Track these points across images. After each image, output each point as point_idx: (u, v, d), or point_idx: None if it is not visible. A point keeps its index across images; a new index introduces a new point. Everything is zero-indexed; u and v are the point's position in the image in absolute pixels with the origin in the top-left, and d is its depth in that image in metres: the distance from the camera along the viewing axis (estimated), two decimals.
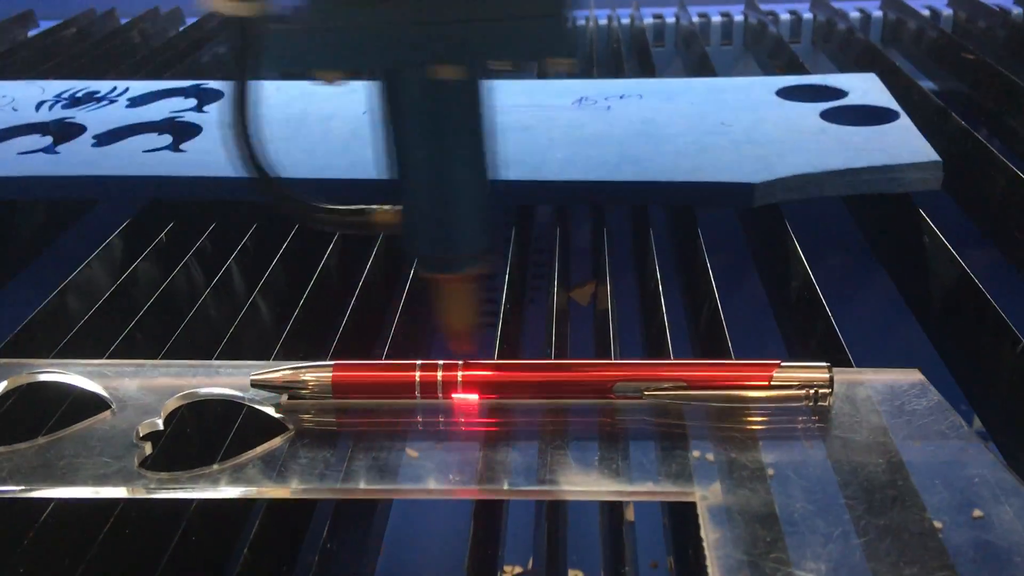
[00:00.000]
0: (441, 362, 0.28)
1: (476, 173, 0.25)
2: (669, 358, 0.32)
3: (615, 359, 0.35)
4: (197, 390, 0.28)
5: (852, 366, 0.31)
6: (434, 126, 0.24)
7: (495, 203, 0.26)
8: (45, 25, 0.81)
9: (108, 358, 0.32)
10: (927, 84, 0.61)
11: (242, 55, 0.23)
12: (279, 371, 0.28)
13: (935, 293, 0.37)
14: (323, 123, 0.48)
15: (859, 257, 0.45)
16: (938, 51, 0.64)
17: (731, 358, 0.32)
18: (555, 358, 0.34)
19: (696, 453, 0.25)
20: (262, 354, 0.34)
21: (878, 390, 0.28)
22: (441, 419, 0.28)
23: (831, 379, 0.27)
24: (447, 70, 0.23)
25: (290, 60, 0.23)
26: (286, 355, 0.33)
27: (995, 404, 0.31)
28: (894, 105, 0.47)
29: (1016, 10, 0.75)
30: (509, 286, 0.37)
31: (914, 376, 0.28)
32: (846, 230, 0.45)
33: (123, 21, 0.80)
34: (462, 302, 0.27)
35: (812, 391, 0.27)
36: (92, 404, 0.28)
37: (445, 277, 0.27)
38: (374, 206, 0.27)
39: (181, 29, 0.78)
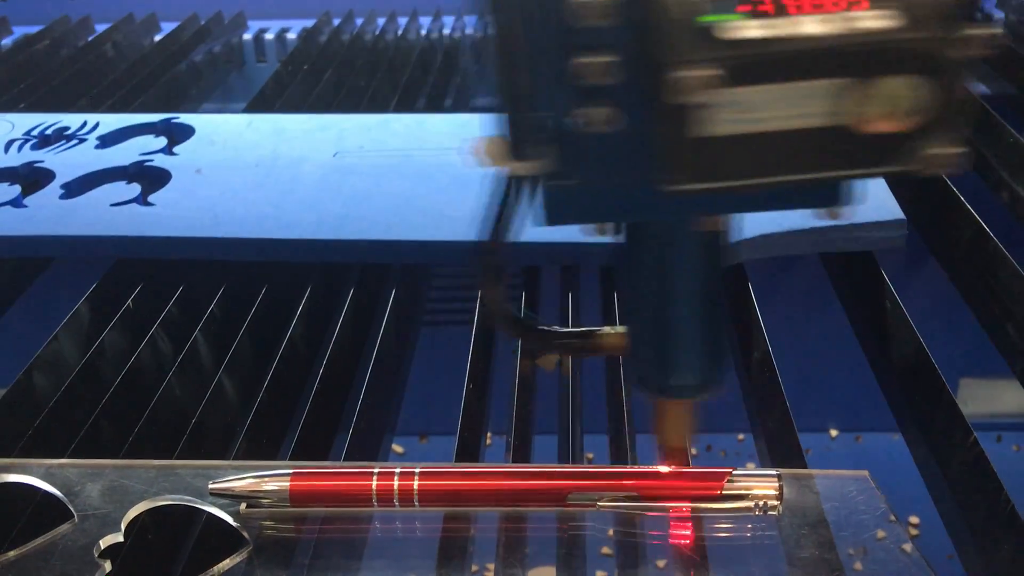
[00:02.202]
0: (398, 469, 0.28)
1: (712, 312, 0.25)
2: (628, 456, 0.33)
3: (581, 432, 0.36)
4: (158, 499, 0.29)
5: (803, 458, 0.31)
6: (684, 268, 0.24)
7: (723, 338, 0.26)
8: (19, 31, 0.80)
9: (75, 447, 0.33)
10: (976, 88, 0.61)
11: (508, 212, 0.23)
12: (238, 480, 0.28)
13: (896, 364, 0.37)
14: (293, 168, 0.48)
15: (829, 314, 0.45)
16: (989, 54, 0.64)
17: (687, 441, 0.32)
18: (519, 430, 0.34)
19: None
20: (227, 438, 0.35)
21: (827, 496, 0.28)
22: (399, 525, 0.29)
23: (780, 488, 0.27)
24: (711, 222, 0.23)
25: (567, 215, 0.22)
26: (249, 443, 0.33)
27: (945, 494, 0.32)
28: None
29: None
30: (473, 353, 0.37)
31: (862, 480, 0.29)
32: (817, 285, 0.46)
33: (98, 28, 0.79)
34: (679, 424, 0.27)
35: (762, 502, 0.27)
36: (55, 506, 0.29)
37: (667, 401, 0.27)
38: (601, 328, 0.27)
39: (156, 38, 0.77)
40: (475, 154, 0.21)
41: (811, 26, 0.16)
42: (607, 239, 0.24)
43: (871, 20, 0.16)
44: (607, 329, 0.27)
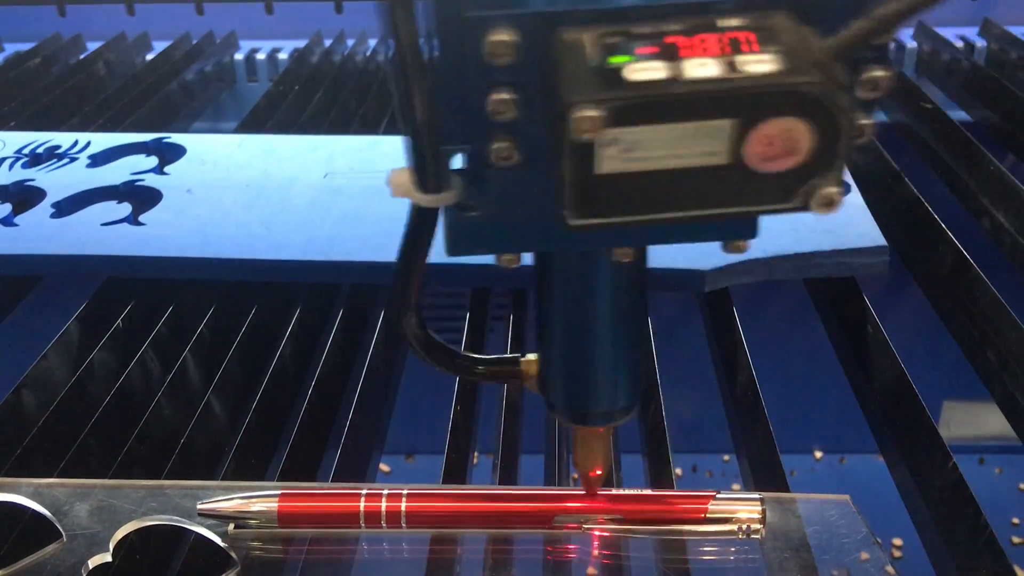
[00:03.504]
0: (385, 491, 0.29)
1: (628, 340, 0.25)
2: (612, 478, 0.33)
3: (567, 453, 0.36)
4: (146, 519, 0.29)
5: (786, 480, 0.32)
6: (594, 298, 0.24)
7: (639, 365, 0.26)
8: (11, 48, 0.81)
9: (64, 466, 0.33)
10: (958, 115, 0.62)
11: (419, 242, 0.23)
12: (226, 501, 0.29)
13: (877, 388, 0.38)
14: (283, 189, 0.48)
15: (811, 338, 0.46)
16: (971, 83, 0.65)
17: (671, 461, 0.33)
18: (506, 450, 0.35)
19: None
20: (216, 458, 0.35)
21: (809, 520, 0.29)
22: (386, 547, 0.29)
23: (763, 512, 0.28)
24: (625, 252, 0.23)
25: (472, 245, 0.23)
26: (238, 463, 0.33)
27: (926, 518, 0.32)
28: (846, 177, 0.48)
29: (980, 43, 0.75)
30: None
31: (843, 504, 0.29)
32: (800, 310, 0.46)
33: (90, 46, 0.79)
34: (597, 450, 0.27)
35: (745, 525, 0.28)
36: (43, 526, 0.29)
37: (583, 428, 0.27)
38: (519, 356, 0.27)
39: (148, 57, 0.78)
40: (387, 184, 0.21)
41: (699, 70, 0.17)
42: (514, 268, 0.24)
43: (753, 64, 0.17)
44: (529, 356, 0.27)
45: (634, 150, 0.17)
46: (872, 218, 0.44)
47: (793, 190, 0.18)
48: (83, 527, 0.29)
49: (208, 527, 0.29)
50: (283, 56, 0.78)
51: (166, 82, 0.70)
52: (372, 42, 0.78)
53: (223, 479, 0.32)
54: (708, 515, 0.28)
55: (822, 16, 0.18)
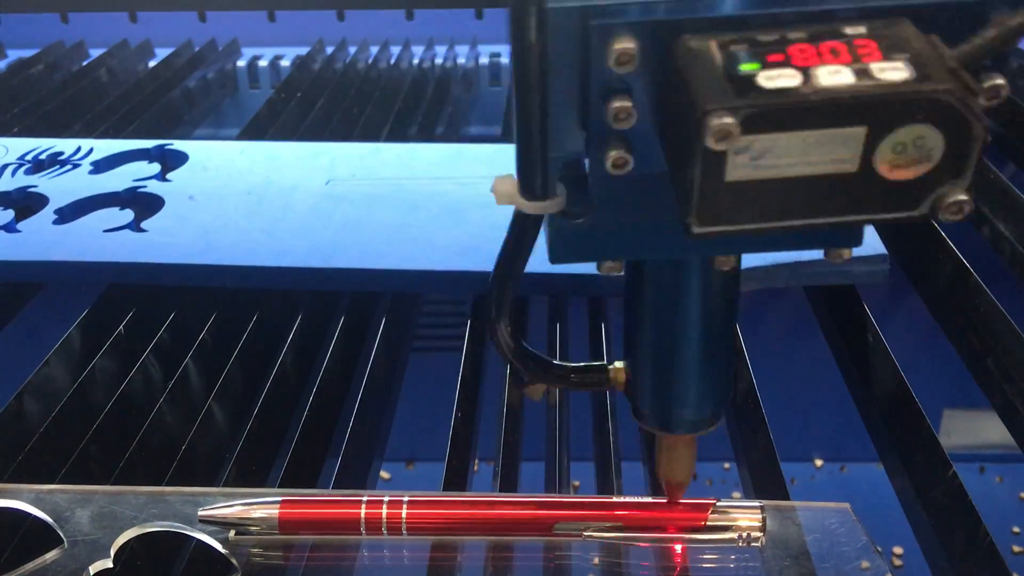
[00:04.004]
0: (386, 498, 0.29)
1: (719, 348, 0.25)
2: (614, 485, 0.33)
3: (567, 460, 0.36)
4: (147, 525, 0.29)
5: (786, 488, 0.32)
6: (694, 306, 0.24)
7: (728, 373, 0.26)
8: (14, 55, 0.81)
9: (65, 472, 0.33)
10: None
11: (520, 250, 0.23)
12: (227, 508, 0.29)
13: (877, 396, 0.38)
14: (285, 196, 0.48)
15: (812, 346, 0.46)
16: None
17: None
18: (506, 458, 0.35)
19: None
20: (217, 465, 0.35)
21: (809, 528, 0.29)
22: (387, 554, 0.29)
23: (764, 520, 0.28)
24: (727, 261, 0.23)
25: (576, 252, 0.23)
26: (239, 470, 0.33)
27: (925, 526, 0.32)
28: None
29: None
30: (462, 380, 0.38)
31: (843, 512, 0.29)
32: (800, 317, 0.46)
33: (92, 53, 0.80)
34: (681, 458, 0.28)
35: (745, 534, 0.28)
36: (45, 532, 0.29)
37: (669, 436, 0.27)
38: (606, 363, 0.27)
39: (151, 64, 0.78)
40: (492, 192, 0.21)
41: (833, 77, 0.17)
42: (615, 274, 0.25)
43: (884, 72, 0.17)
44: (618, 364, 0.27)
45: (764, 157, 0.17)
46: (872, 226, 0.44)
47: (921, 198, 0.18)
48: (84, 533, 0.29)
49: (209, 533, 0.29)
50: (285, 63, 0.78)
51: (168, 89, 0.70)
52: (374, 49, 0.78)
53: (224, 486, 0.32)
54: (708, 523, 0.28)
55: (943, 25, 0.18)
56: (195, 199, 0.48)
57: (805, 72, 0.17)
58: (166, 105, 0.68)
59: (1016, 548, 0.66)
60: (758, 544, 0.28)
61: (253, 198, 0.48)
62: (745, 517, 0.28)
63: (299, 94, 0.67)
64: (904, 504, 0.35)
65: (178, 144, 0.55)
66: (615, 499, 0.29)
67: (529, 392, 0.40)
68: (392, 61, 0.77)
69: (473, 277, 0.41)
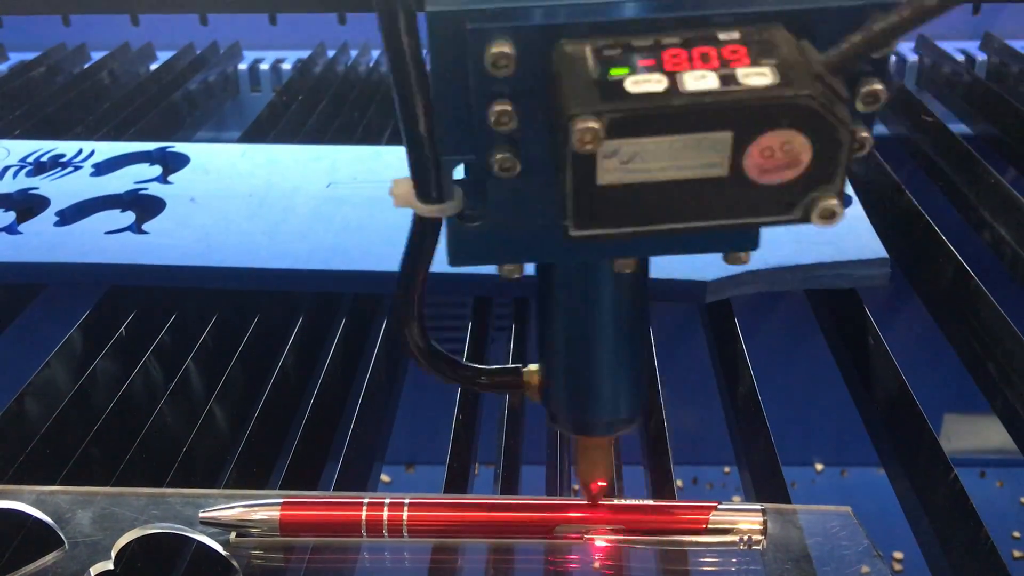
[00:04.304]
0: (388, 500, 0.29)
1: (629, 349, 0.25)
2: (614, 489, 0.33)
3: (568, 464, 0.36)
4: (148, 527, 0.29)
5: (787, 492, 0.32)
6: (597, 308, 0.24)
7: (641, 375, 0.26)
8: (16, 57, 0.81)
9: (66, 474, 0.33)
10: (959, 128, 0.62)
11: (422, 252, 0.23)
12: (227, 509, 0.29)
13: (878, 400, 0.38)
14: (286, 198, 0.48)
15: (813, 350, 0.46)
16: (972, 96, 0.65)
17: (671, 472, 0.33)
18: (507, 461, 0.35)
19: None
20: (218, 467, 0.35)
21: (810, 531, 0.29)
22: (388, 556, 0.29)
23: (765, 523, 0.28)
24: (627, 263, 0.23)
25: (475, 255, 0.23)
26: (240, 472, 0.33)
27: (927, 530, 0.32)
28: (848, 189, 0.48)
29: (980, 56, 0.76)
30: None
31: (844, 515, 0.29)
32: (801, 321, 0.46)
33: (94, 56, 0.80)
34: (599, 461, 0.27)
35: (746, 536, 0.28)
36: (45, 533, 0.29)
37: (585, 438, 0.27)
38: (524, 366, 0.27)
39: (152, 67, 0.78)
40: (390, 194, 0.21)
41: (698, 82, 0.17)
42: (516, 278, 0.24)
43: (749, 77, 0.17)
44: (532, 367, 0.27)
45: (634, 161, 0.17)
46: (873, 230, 0.44)
47: (793, 202, 0.18)
48: (85, 535, 0.29)
49: (210, 535, 0.29)
50: (286, 67, 0.78)
51: (170, 92, 0.70)
52: (375, 53, 0.78)
53: (225, 487, 0.32)
54: (709, 526, 0.28)
55: (819, 30, 0.19)
56: (196, 201, 0.48)
57: (672, 77, 0.17)
58: (167, 108, 0.68)
59: (1017, 553, 0.66)
60: (759, 547, 0.28)
61: (254, 200, 0.48)
62: (746, 520, 0.28)
63: (300, 97, 0.67)
64: (905, 508, 0.34)
65: (179, 147, 0.55)
66: (616, 502, 0.29)
67: (531, 395, 0.40)
68: (390, 64, 0.77)
69: (473, 279, 0.41)
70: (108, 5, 0.79)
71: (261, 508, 0.29)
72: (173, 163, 0.54)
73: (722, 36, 0.18)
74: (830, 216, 0.18)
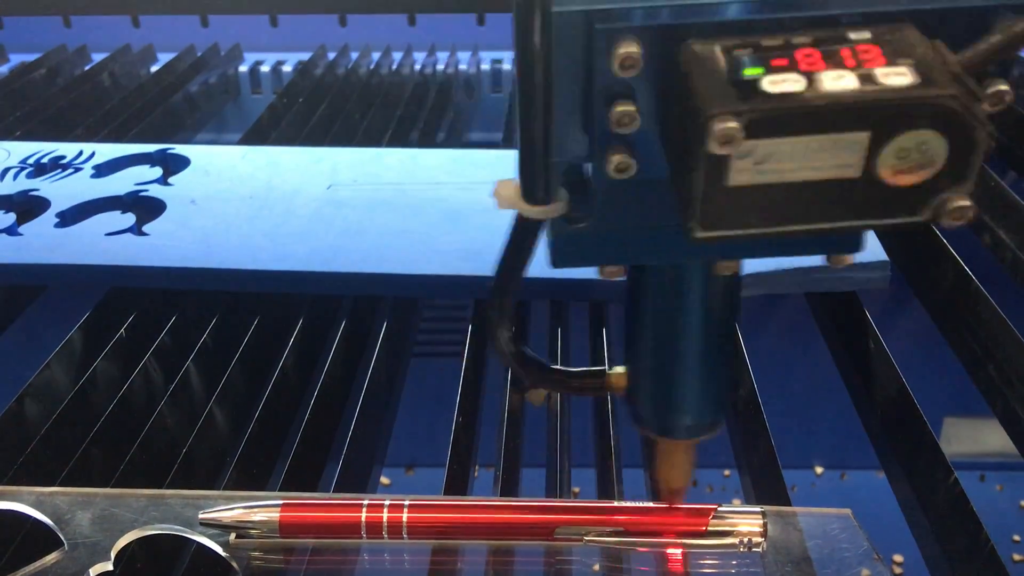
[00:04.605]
0: (387, 501, 0.29)
1: (720, 354, 0.25)
2: (614, 491, 0.33)
3: (568, 466, 0.36)
4: (148, 528, 0.29)
5: (787, 495, 0.32)
6: (695, 311, 0.24)
7: (727, 379, 0.26)
8: (17, 59, 0.81)
9: (66, 475, 0.33)
10: None
11: (521, 254, 0.23)
12: (227, 511, 0.29)
13: (878, 403, 0.38)
14: (286, 200, 0.48)
15: (813, 353, 0.46)
16: None
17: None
18: (507, 463, 0.35)
19: None
20: (217, 468, 0.35)
21: (810, 534, 0.29)
22: (387, 558, 0.29)
23: (765, 525, 0.28)
24: (728, 265, 0.23)
25: (578, 257, 0.23)
26: (239, 473, 0.33)
27: (927, 533, 0.32)
28: None
29: None
30: (463, 385, 0.38)
31: (844, 518, 0.29)
32: (801, 324, 0.46)
33: (95, 57, 0.80)
34: (680, 464, 0.28)
35: (746, 539, 0.28)
36: (45, 535, 0.29)
37: (668, 441, 0.27)
38: (607, 368, 0.27)
39: (153, 69, 0.78)
40: (494, 196, 0.21)
41: (837, 82, 0.17)
42: (618, 279, 0.25)
43: (888, 77, 0.17)
44: (617, 369, 0.27)
45: (767, 162, 0.17)
46: (873, 233, 0.44)
47: (923, 203, 0.18)
48: (85, 536, 0.29)
49: (210, 536, 0.29)
50: (287, 69, 0.78)
51: (171, 93, 0.70)
52: (376, 55, 0.79)
53: (225, 489, 0.32)
54: (709, 528, 0.28)
55: (948, 30, 0.18)
56: (197, 203, 0.48)
57: (809, 77, 0.17)
58: (168, 109, 0.68)
59: (1017, 556, 0.65)
60: (759, 550, 0.28)
61: (255, 202, 0.48)
62: (746, 522, 0.28)
63: (301, 99, 0.68)
64: (905, 511, 0.34)
65: (180, 148, 0.55)
66: (616, 504, 0.29)
67: (530, 397, 0.40)
68: (394, 67, 0.77)
69: (474, 282, 0.41)
70: (109, 7, 0.80)
71: (261, 509, 0.29)
72: (174, 165, 0.54)
73: (853, 36, 0.18)
74: (962, 216, 0.18)
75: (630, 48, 0.18)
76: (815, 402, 0.61)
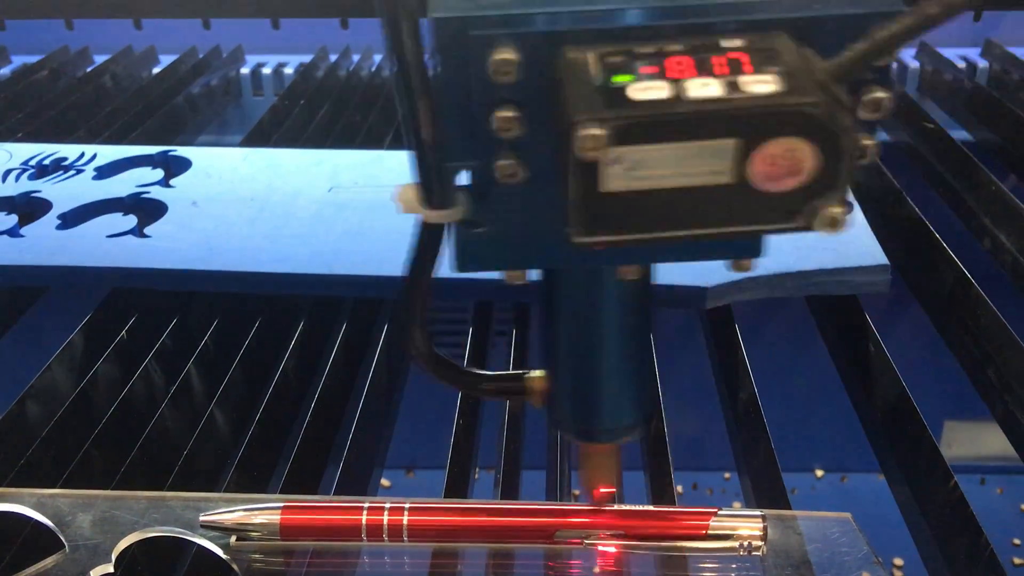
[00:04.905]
0: (388, 505, 0.29)
1: (634, 356, 0.25)
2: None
3: (568, 469, 0.36)
4: (148, 530, 0.29)
5: (787, 498, 0.32)
6: (602, 315, 0.24)
7: (645, 382, 0.26)
8: (19, 60, 0.81)
9: (67, 477, 0.33)
10: (960, 135, 0.62)
11: (426, 257, 0.23)
12: (228, 513, 0.29)
13: (879, 406, 0.38)
14: (287, 203, 0.48)
15: (813, 356, 0.46)
16: (973, 103, 0.65)
17: (672, 478, 0.33)
18: (507, 466, 0.35)
19: None
20: (218, 470, 0.35)
21: (810, 537, 0.29)
22: (388, 560, 0.29)
23: (765, 529, 0.28)
24: (631, 270, 0.23)
25: (480, 261, 0.23)
26: (240, 476, 0.33)
27: (927, 537, 0.32)
28: (848, 195, 0.48)
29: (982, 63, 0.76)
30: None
31: (844, 522, 0.29)
32: (802, 327, 0.46)
33: (97, 59, 0.80)
34: (603, 467, 0.28)
35: (747, 542, 0.28)
36: (46, 536, 0.29)
37: (590, 445, 0.27)
38: (526, 372, 0.27)
39: (155, 71, 0.78)
40: (394, 200, 0.21)
41: (702, 90, 0.17)
42: (520, 284, 0.24)
43: (754, 85, 0.17)
44: (534, 373, 0.27)
45: (638, 168, 0.17)
46: (874, 236, 0.44)
47: (797, 210, 0.18)
48: (85, 538, 0.29)
49: (210, 539, 0.29)
50: (289, 71, 0.78)
51: (172, 95, 0.70)
52: (377, 58, 0.79)
53: (226, 491, 0.32)
54: (710, 531, 0.28)
55: (822, 38, 0.19)
56: (198, 205, 0.48)
57: (676, 84, 0.17)
58: (170, 111, 0.68)
59: (1017, 560, 0.66)
60: (759, 553, 0.28)
61: (256, 204, 0.48)
62: (746, 526, 0.28)
63: (302, 101, 0.68)
64: (905, 515, 0.34)
65: (181, 150, 0.55)
66: (616, 507, 0.29)
67: (534, 402, 0.40)
68: (394, 70, 0.77)
69: (475, 284, 0.41)
70: (111, 9, 0.80)
71: (262, 512, 0.29)
72: (175, 167, 0.54)
73: (725, 44, 0.18)
74: (833, 224, 0.18)
75: (506, 54, 0.18)
76: (815, 405, 0.61)
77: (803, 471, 0.75)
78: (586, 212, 0.18)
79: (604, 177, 0.17)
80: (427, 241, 0.23)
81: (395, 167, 0.52)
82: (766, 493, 0.33)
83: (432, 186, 0.21)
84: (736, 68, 0.17)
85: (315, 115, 0.65)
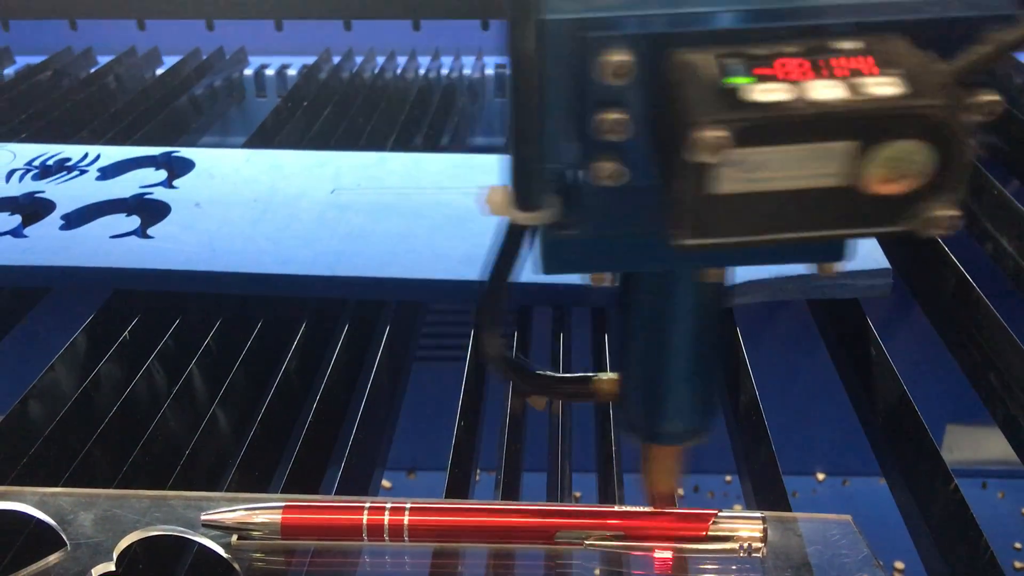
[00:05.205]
0: (389, 504, 0.29)
1: (708, 359, 0.26)
2: (615, 495, 0.33)
3: (569, 470, 0.36)
4: (150, 529, 0.29)
5: (788, 501, 0.32)
6: (682, 318, 0.24)
7: (714, 385, 0.27)
8: (22, 61, 0.81)
9: (69, 476, 0.33)
10: None
11: (509, 260, 0.23)
12: (229, 512, 0.29)
13: (880, 410, 0.38)
14: (290, 204, 0.48)
15: (815, 360, 0.46)
16: None
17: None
18: (508, 467, 0.35)
19: None
20: (220, 470, 0.35)
21: (810, 539, 0.29)
22: (388, 560, 0.29)
23: (765, 531, 0.28)
24: (713, 273, 0.23)
25: (568, 264, 0.23)
26: (241, 475, 0.33)
27: (927, 540, 0.32)
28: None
29: None
30: (465, 390, 0.38)
31: (845, 524, 0.29)
32: (803, 331, 0.46)
33: (100, 60, 0.80)
34: (668, 469, 0.28)
35: (746, 544, 0.28)
36: (48, 535, 0.29)
37: (656, 447, 0.27)
38: (595, 374, 0.28)
39: (158, 72, 0.78)
40: (482, 202, 0.21)
41: (824, 91, 0.17)
42: (606, 286, 0.25)
43: (877, 87, 0.17)
44: (602, 375, 0.27)
45: (754, 170, 0.17)
46: (876, 240, 0.44)
47: (910, 212, 0.18)
48: (87, 536, 0.29)
49: (212, 538, 0.29)
50: (292, 72, 0.78)
51: (175, 96, 0.70)
52: (380, 59, 0.79)
53: (227, 490, 0.32)
54: (710, 533, 0.28)
55: (937, 40, 0.18)
56: (201, 206, 0.48)
57: (797, 86, 0.17)
58: (173, 112, 0.68)
59: (1018, 564, 0.65)
60: (759, 555, 0.28)
61: (259, 206, 0.48)
62: (746, 527, 0.28)
63: (305, 103, 0.68)
64: (906, 518, 0.35)
65: (185, 151, 0.55)
66: (617, 508, 0.29)
67: (532, 402, 0.40)
68: (398, 71, 0.77)
69: (477, 287, 0.41)
70: (115, 10, 0.80)
71: (263, 511, 0.29)
72: (178, 168, 0.54)
73: (843, 46, 0.18)
74: (946, 226, 0.18)
75: (620, 56, 0.18)
76: (816, 408, 0.61)
77: (804, 474, 0.75)
78: (696, 214, 0.18)
79: (719, 179, 0.17)
80: (512, 244, 0.23)
81: (398, 169, 0.52)
82: (767, 496, 0.33)
83: (529, 188, 0.20)
84: (857, 70, 0.17)
85: (318, 117, 0.65)
